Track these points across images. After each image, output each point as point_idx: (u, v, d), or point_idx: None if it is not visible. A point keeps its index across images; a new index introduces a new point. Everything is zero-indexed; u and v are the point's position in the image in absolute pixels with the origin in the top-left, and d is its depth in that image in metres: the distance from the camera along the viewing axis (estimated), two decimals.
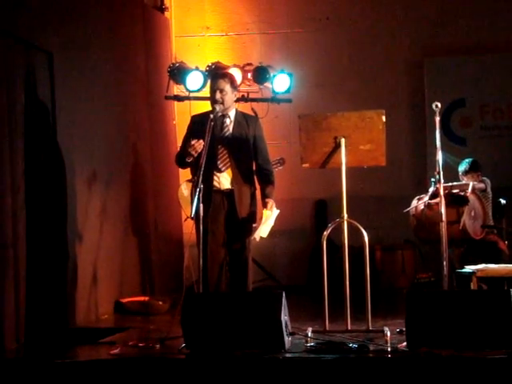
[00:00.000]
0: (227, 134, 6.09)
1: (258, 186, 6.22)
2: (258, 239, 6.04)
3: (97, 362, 5.22)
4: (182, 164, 6.13)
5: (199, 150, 5.81)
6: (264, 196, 6.13)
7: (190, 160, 5.92)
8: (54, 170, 6.46)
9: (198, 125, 6.04)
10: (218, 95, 6.03)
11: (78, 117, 6.92)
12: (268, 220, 6.02)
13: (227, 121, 6.11)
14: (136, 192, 8.18)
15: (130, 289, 7.82)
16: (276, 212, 6.09)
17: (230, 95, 6.08)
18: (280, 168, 8.13)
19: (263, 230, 6.03)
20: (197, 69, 8.64)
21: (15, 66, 5.99)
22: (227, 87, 6.06)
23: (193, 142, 5.83)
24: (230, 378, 4.96)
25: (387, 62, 9.45)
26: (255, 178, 6.20)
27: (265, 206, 6.07)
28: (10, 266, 5.80)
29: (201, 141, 5.80)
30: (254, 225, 6.09)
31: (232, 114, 6.14)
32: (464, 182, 7.34)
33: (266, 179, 6.19)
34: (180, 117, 9.16)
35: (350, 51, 9.50)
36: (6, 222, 5.79)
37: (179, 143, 6.20)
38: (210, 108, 6.11)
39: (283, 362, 5.03)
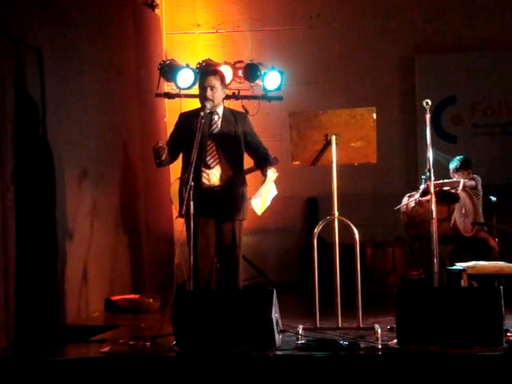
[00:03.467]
0: (216, 130, 6.09)
1: (248, 183, 6.21)
2: (256, 198, 5.90)
3: (87, 359, 5.21)
4: (156, 163, 6.14)
5: (162, 156, 5.92)
6: (265, 167, 5.99)
7: (157, 160, 6.00)
8: (44, 168, 6.44)
9: (186, 122, 6.06)
10: (208, 92, 6.02)
11: (69, 115, 6.90)
12: (270, 184, 5.93)
13: (215, 117, 6.10)
14: (127, 190, 8.16)
15: (120, 287, 7.81)
16: (274, 192, 6.02)
17: (219, 92, 6.08)
18: None
19: (263, 196, 5.90)
20: (187, 66, 8.61)
21: (4, 63, 5.97)
22: (217, 84, 6.06)
23: (160, 144, 5.91)
24: (220, 375, 4.95)
25: (378, 60, 9.46)
26: (257, 167, 6.18)
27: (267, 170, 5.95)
28: (0, 264, 5.78)
29: (164, 147, 5.91)
30: (245, 218, 6.05)
31: (220, 110, 6.14)
32: (455, 179, 7.35)
33: (267, 159, 6.08)
34: (171, 114, 9.14)
35: (341, 48, 9.51)
36: None
37: (168, 137, 6.22)
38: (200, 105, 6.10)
39: (274, 360, 5.02)
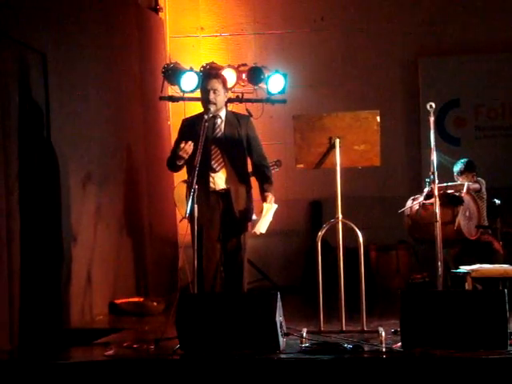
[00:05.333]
0: (219, 134, 6.08)
1: (253, 185, 6.21)
2: (258, 233, 6.00)
3: (91, 363, 5.21)
4: (174, 168, 6.12)
5: (190, 152, 5.84)
6: (263, 191, 6.10)
7: (180, 163, 5.96)
8: (48, 170, 6.45)
9: (190, 127, 6.06)
10: (211, 95, 6.02)
11: (72, 117, 6.91)
12: (268, 213, 6.00)
13: (218, 121, 6.10)
14: (130, 193, 8.17)
15: (124, 290, 7.81)
16: (274, 207, 6.06)
17: (222, 96, 6.08)
18: (276, 170, 8.13)
19: (263, 225, 6.00)
20: (191, 69, 8.62)
21: (8, 66, 5.98)
22: (220, 87, 6.06)
23: (182, 145, 5.85)
24: (224, 378, 4.95)
25: (382, 62, 9.46)
26: (254, 175, 6.19)
27: (264, 199, 6.05)
28: (5, 266, 5.79)
29: (190, 142, 5.83)
30: (252, 220, 6.07)
31: (223, 114, 6.14)
32: (459, 182, 7.34)
33: (264, 175, 6.16)
34: (174, 117, 9.15)
35: (345, 51, 9.51)
36: (1, 223, 5.77)
37: (173, 144, 6.22)
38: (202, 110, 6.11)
39: (278, 363, 5.01)
